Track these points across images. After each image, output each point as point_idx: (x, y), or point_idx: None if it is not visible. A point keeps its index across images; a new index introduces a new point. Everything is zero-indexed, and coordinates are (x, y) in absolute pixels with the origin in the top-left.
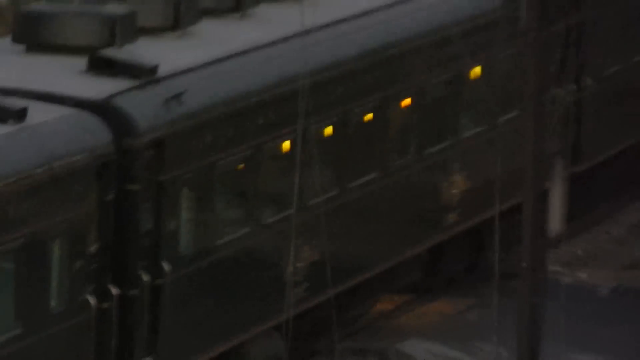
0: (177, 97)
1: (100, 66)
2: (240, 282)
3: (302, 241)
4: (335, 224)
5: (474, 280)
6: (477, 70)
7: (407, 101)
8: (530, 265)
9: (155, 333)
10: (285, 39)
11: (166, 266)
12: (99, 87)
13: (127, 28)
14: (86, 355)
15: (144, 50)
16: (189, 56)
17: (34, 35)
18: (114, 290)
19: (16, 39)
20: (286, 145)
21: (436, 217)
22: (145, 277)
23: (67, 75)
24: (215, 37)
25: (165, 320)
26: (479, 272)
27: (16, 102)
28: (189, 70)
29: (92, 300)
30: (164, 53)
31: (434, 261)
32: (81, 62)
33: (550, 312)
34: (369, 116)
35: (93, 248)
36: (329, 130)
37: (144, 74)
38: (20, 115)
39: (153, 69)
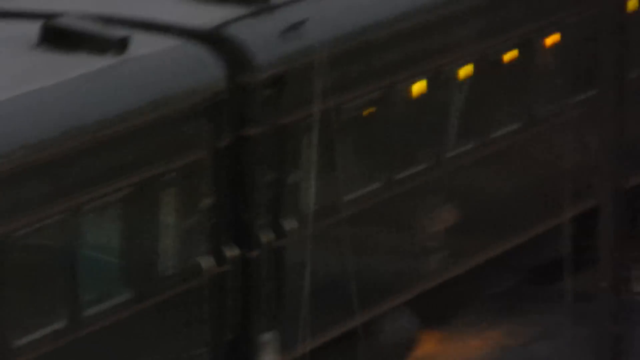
0: (297, 27)
1: None
2: (371, 247)
3: (437, 202)
4: (474, 182)
5: (540, 303)
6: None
7: (554, 37)
8: (611, 284)
9: (279, 304)
10: None
11: (291, 224)
12: (206, 15)
13: None
14: (198, 327)
15: None
16: None
17: None
18: (232, 252)
19: None
20: (421, 86)
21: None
22: (267, 237)
23: (168, 1)
24: None
25: (290, 289)
26: (549, 292)
27: (116, 31)
28: None
29: (206, 263)
30: None
31: (583, 233)
32: None
33: (637, 343)
34: (513, 53)
35: (206, 202)
36: (468, 69)
37: (256, 0)
38: (121, 45)
39: None
